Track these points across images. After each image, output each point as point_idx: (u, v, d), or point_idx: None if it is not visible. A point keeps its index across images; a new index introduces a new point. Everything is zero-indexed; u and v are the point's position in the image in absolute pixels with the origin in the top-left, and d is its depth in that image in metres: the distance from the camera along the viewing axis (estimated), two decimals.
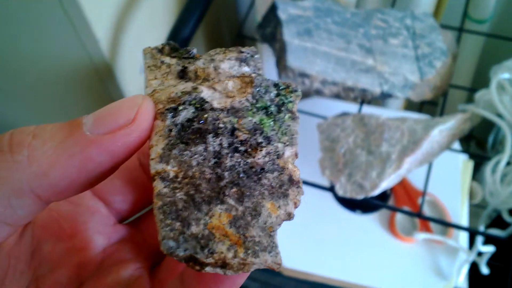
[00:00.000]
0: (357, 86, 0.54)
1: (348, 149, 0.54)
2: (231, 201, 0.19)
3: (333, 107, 0.77)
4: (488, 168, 0.50)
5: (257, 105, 0.21)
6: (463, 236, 0.67)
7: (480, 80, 0.74)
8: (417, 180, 0.72)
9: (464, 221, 0.69)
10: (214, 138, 0.20)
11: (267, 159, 0.20)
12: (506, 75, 0.53)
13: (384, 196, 0.71)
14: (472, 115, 0.53)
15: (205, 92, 0.21)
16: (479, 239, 0.59)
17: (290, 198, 0.20)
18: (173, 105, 0.20)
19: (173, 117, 0.20)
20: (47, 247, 0.21)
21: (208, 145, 0.19)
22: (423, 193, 0.51)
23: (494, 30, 0.77)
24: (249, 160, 0.20)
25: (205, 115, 0.20)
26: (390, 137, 0.52)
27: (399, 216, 0.69)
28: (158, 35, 0.53)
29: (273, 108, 0.21)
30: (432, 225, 0.68)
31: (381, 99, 0.55)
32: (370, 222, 0.69)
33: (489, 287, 1.09)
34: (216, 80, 0.21)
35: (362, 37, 0.55)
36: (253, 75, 0.22)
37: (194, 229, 0.18)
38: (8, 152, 0.17)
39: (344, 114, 0.56)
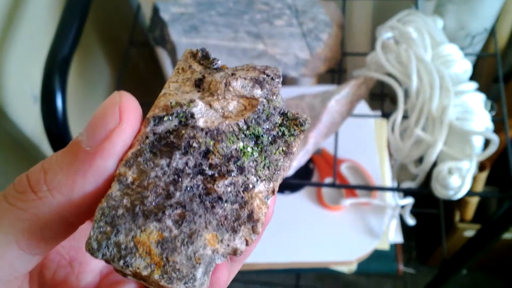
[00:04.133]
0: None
1: None
2: (168, 222, 0.18)
3: None
4: (388, 125, 0.52)
5: (246, 132, 0.20)
6: (388, 194, 0.70)
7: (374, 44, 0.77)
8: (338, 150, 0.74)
9: (387, 178, 0.72)
10: (182, 156, 0.19)
11: (229, 188, 0.19)
12: (389, 34, 0.55)
13: (307, 171, 0.73)
14: (365, 79, 0.55)
15: (199, 108, 0.20)
16: (396, 194, 0.61)
17: (241, 235, 0.19)
18: (161, 114, 0.20)
19: (154, 125, 0.20)
20: (49, 273, 0.23)
21: (172, 161, 0.19)
22: (334, 160, 0.53)
23: None
24: (208, 186, 0.19)
25: (183, 131, 0.20)
26: None
27: (325, 189, 0.71)
28: (41, 57, 0.51)
29: (265, 138, 0.20)
30: (357, 190, 0.70)
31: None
32: (300, 199, 0.71)
33: (425, 235, 1.14)
34: (220, 97, 0.21)
35: (248, 24, 0.55)
36: (261, 99, 0.21)
37: (121, 238, 0.18)
38: (30, 192, 0.18)
39: None
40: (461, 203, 0.88)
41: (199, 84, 0.21)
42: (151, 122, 0.20)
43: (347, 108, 0.54)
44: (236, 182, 0.19)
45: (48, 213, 0.18)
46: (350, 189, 0.69)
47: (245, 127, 0.20)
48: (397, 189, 0.51)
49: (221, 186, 0.19)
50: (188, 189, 0.19)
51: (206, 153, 0.19)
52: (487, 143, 0.49)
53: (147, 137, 0.19)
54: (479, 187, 0.81)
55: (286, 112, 0.21)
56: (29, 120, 0.58)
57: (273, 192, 0.20)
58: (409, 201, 0.62)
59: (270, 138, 0.20)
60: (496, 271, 1.17)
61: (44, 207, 0.18)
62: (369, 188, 0.54)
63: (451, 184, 0.47)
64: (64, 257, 0.24)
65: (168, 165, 0.19)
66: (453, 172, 0.47)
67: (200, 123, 0.20)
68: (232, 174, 0.19)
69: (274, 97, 0.21)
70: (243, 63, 0.54)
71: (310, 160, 0.73)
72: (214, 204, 0.19)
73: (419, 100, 0.50)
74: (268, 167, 0.20)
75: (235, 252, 0.19)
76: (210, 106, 0.20)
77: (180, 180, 0.19)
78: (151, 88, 0.88)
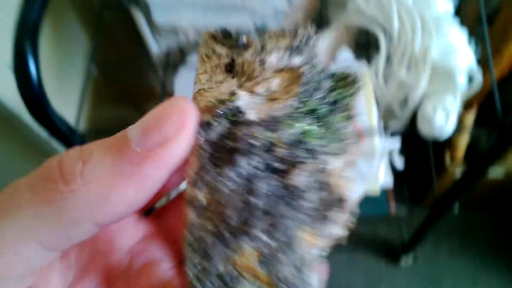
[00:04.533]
0: (231, 26, 0.53)
1: None
2: (262, 236, 0.17)
3: None
4: (371, 70, 0.52)
5: (303, 109, 0.18)
6: (377, 139, 0.70)
7: None
8: None
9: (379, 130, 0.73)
10: (248, 159, 0.17)
11: (308, 177, 0.17)
12: None
13: None
14: (346, 26, 0.54)
15: (243, 99, 0.18)
16: (383, 138, 0.62)
17: (337, 221, 0.17)
18: (207, 119, 0.18)
19: (206, 134, 0.18)
20: (73, 254, 0.20)
21: (240, 168, 0.17)
22: None
23: None
24: (286, 182, 0.17)
25: (238, 133, 0.18)
26: None
27: None
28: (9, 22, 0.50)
29: (323, 109, 0.18)
30: None
31: (256, 33, 0.54)
32: None
33: (417, 178, 1.17)
34: (260, 79, 0.19)
35: None
36: (304, 67, 0.19)
37: (221, 268, 0.16)
38: (61, 182, 0.16)
39: None
40: (450, 145, 0.89)
41: (230, 69, 0.19)
42: (201, 131, 0.18)
43: (329, 56, 0.54)
44: (312, 168, 0.18)
45: (78, 210, 0.16)
46: None
47: (300, 105, 0.18)
48: (383, 132, 0.51)
49: (299, 178, 0.17)
50: (267, 193, 0.17)
51: (270, 147, 0.18)
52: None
53: (202, 149, 0.18)
54: (467, 128, 0.81)
55: (333, 73, 0.19)
56: (8, 90, 0.57)
57: (350, 163, 0.18)
58: (397, 143, 0.63)
59: (327, 107, 0.19)
60: (489, 210, 1.21)
61: (74, 203, 0.16)
62: (356, 133, 0.54)
63: (436, 122, 0.47)
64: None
65: (238, 175, 0.17)
66: (438, 109, 0.47)
67: (252, 116, 0.18)
68: (305, 161, 0.18)
69: (315, 60, 0.19)
70: (221, 17, 0.53)
71: None
72: (299, 199, 0.17)
73: (401, 43, 0.50)
74: (336, 140, 0.18)
75: (338, 240, 0.18)
76: (253, 92, 0.18)
77: (255, 186, 0.17)
78: (128, 51, 0.87)
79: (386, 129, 0.55)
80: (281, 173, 0.17)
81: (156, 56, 0.64)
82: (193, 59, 0.76)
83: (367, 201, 0.73)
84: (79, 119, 0.57)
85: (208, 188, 0.17)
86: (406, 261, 1.17)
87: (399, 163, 0.63)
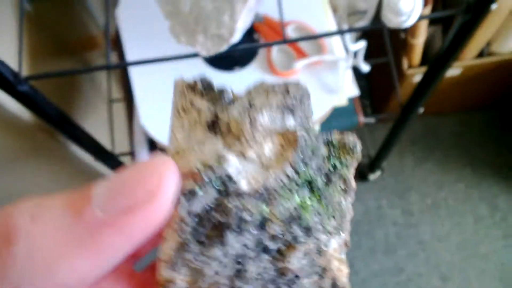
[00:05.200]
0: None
1: (192, 2, 0.50)
2: None
3: None
4: None
5: (298, 181, 0.16)
6: (338, 48, 0.68)
7: None
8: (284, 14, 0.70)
9: (337, 39, 0.70)
10: (237, 236, 0.15)
11: (304, 261, 0.16)
12: None
13: (253, 42, 0.69)
14: None
15: (233, 164, 0.16)
16: (347, 38, 0.59)
17: None
18: (190, 186, 0.15)
19: (188, 203, 0.15)
20: None
21: (228, 247, 0.15)
22: (280, 20, 0.49)
23: None
24: (280, 265, 0.15)
25: (228, 205, 0.16)
26: None
27: (275, 56, 0.68)
28: None
29: (320, 181, 0.17)
30: (307, 50, 0.68)
31: None
32: (252, 72, 0.68)
33: (377, 86, 1.17)
34: (251, 142, 0.17)
35: None
36: (298, 132, 0.17)
37: None
38: (3, 244, 0.13)
39: None
40: (407, 49, 0.88)
41: (213, 127, 0.17)
42: (182, 200, 0.15)
43: None
44: (309, 249, 0.16)
45: (19, 282, 0.13)
46: (301, 51, 0.67)
47: (295, 175, 0.16)
48: (349, 30, 0.48)
49: (294, 261, 0.16)
50: (258, 276, 0.16)
51: (263, 223, 0.16)
52: None
53: (185, 223, 0.15)
54: (423, 26, 0.80)
55: (330, 139, 0.17)
56: None
57: (346, 245, 0.17)
58: (362, 45, 0.61)
59: (323, 178, 0.17)
60: (447, 113, 1.23)
61: (16, 272, 0.13)
62: (317, 36, 0.51)
63: (402, 9, 0.45)
64: None
65: (226, 255, 0.15)
66: None
67: (243, 186, 0.16)
68: (301, 240, 0.16)
69: (310, 122, 0.18)
70: None
71: (253, 30, 0.69)
72: (292, 285, 0.16)
73: None
74: (333, 216, 0.17)
75: None
76: (244, 156, 0.16)
77: (245, 268, 0.15)
78: None
79: (351, 31, 0.52)
80: (274, 254, 0.16)
81: None
82: None
83: (335, 114, 0.71)
84: (21, 64, 0.51)
85: (189, 270, 0.15)
86: (374, 176, 1.19)
87: (365, 66, 0.61)
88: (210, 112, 0.17)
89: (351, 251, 1.19)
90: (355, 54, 0.63)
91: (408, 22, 0.46)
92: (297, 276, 0.16)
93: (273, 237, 0.16)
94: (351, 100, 0.74)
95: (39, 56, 0.69)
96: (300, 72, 0.66)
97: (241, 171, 0.16)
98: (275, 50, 0.67)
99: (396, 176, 1.25)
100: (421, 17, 0.47)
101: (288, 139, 0.17)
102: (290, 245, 0.16)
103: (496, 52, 0.92)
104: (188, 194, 0.15)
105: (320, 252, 0.16)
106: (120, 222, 0.14)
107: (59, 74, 0.56)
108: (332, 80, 0.65)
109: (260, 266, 0.16)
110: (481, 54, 0.93)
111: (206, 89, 0.18)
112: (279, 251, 0.16)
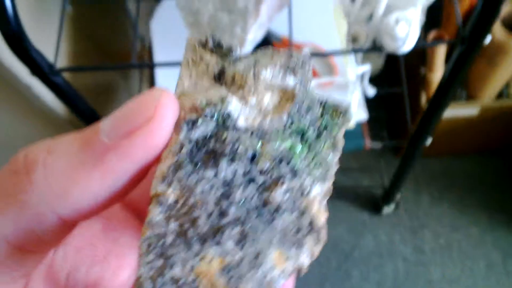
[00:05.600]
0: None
1: (210, 15, 0.55)
2: (229, 244, 0.16)
3: None
4: None
5: (292, 128, 0.18)
6: (350, 71, 0.72)
7: None
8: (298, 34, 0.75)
9: (351, 62, 0.74)
10: (229, 163, 0.17)
11: (287, 196, 0.17)
12: None
13: None
14: None
15: (234, 105, 0.17)
16: (353, 60, 0.63)
17: (306, 247, 0.17)
18: (192, 117, 0.17)
19: (189, 131, 0.17)
20: (81, 274, 0.19)
21: (219, 170, 0.16)
22: (289, 40, 0.54)
23: None
24: (264, 196, 0.17)
25: (225, 135, 0.17)
26: None
27: None
28: None
29: (311, 133, 0.18)
30: (319, 71, 0.72)
31: None
32: None
33: (395, 115, 1.19)
34: (252, 90, 0.18)
35: None
36: (297, 89, 0.18)
37: (177, 271, 0.15)
38: (24, 173, 0.15)
39: None
40: (425, 82, 0.91)
41: (219, 77, 0.19)
42: (183, 127, 0.17)
43: None
44: (293, 187, 0.17)
45: (39, 204, 0.15)
46: (313, 70, 0.71)
47: (289, 122, 0.18)
48: (349, 51, 0.52)
49: (278, 195, 0.17)
50: (243, 201, 0.16)
51: (254, 157, 0.17)
52: None
53: (182, 146, 0.17)
54: (440, 61, 0.83)
55: (325, 101, 0.19)
56: None
57: (328, 193, 0.18)
58: (366, 68, 0.64)
59: (315, 132, 0.18)
60: (466, 155, 1.23)
61: (35, 196, 0.15)
62: (323, 55, 0.55)
63: (398, 34, 0.49)
64: (99, 252, 0.20)
65: (216, 176, 0.16)
66: (400, 21, 0.49)
67: (241, 122, 0.17)
68: (287, 178, 0.17)
69: (309, 83, 0.19)
70: None
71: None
72: (274, 215, 0.17)
73: None
74: (319, 166, 0.18)
75: (299, 270, 0.16)
76: (245, 101, 0.18)
77: (232, 192, 0.16)
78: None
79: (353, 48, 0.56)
80: (261, 186, 0.17)
81: None
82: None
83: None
84: (57, 56, 0.58)
85: (180, 185, 0.16)
86: (388, 209, 1.20)
87: (370, 90, 0.64)
88: (217, 66, 0.19)
89: (358, 282, 1.19)
90: (362, 75, 0.67)
91: (404, 47, 0.50)
92: (278, 208, 0.17)
93: (261, 172, 0.17)
94: (359, 124, 0.77)
95: (77, 54, 0.76)
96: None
97: (241, 111, 0.17)
98: None
99: (411, 213, 1.25)
100: (417, 45, 0.51)
101: (287, 94, 0.18)
102: (276, 181, 0.17)
103: None
104: (189, 123, 0.17)
105: (302, 193, 0.17)
106: (122, 145, 0.15)
107: (90, 69, 0.62)
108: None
109: (246, 193, 0.16)
110: (500, 96, 0.95)
111: (216, 46, 0.19)
112: (264, 183, 0.17)
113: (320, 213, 0.17)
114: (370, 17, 0.52)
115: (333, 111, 0.19)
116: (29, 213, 0.15)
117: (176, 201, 0.16)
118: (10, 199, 0.15)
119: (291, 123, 0.18)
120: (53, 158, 0.15)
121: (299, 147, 0.18)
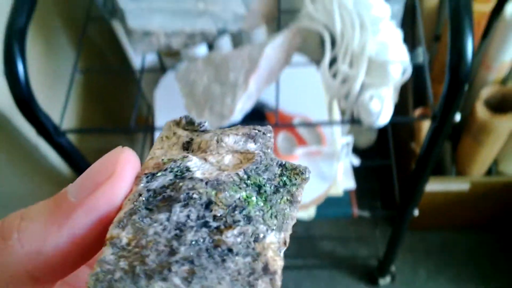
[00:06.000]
0: (196, 30, 0.60)
1: (205, 86, 0.61)
2: (176, 280, 0.16)
3: None
4: (320, 67, 0.58)
5: (248, 182, 0.19)
6: (338, 142, 0.76)
7: None
8: (290, 106, 0.80)
9: (338, 133, 0.79)
10: (182, 208, 0.17)
11: (239, 239, 0.17)
12: None
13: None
14: (298, 28, 0.61)
15: (194, 162, 0.19)
16: (338, 132, 0.67)
17: None
18: (154, 171, 0.18)
19: (147, 182, 0.18)
20: None
21: (172, 214, 0.17)
22: (275, 112, 0.59)
23: None
24: (216, 237, 0.17)
25: (180, 184, 0.18)
26: (234, 65, 0.59)
27: (280, 142, 0.77)
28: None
29: (268, 188, 0.19)
30: (308, 141, 0.76)
31: (220, 36, 0.61)
32: None
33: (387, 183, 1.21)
34: (214, 152, 0.20)
35: None
36: (257, 152, 0.20)
37: None
38: (0, 239, 0.16)
39: (193, 59, 0.63)
40: (413, 155, 0.94)
41: (187, 146, 0.20)
42: (143, 179, 0.18)
43: (283, 56, 0.61)
44: (246, 232, 0.17)
45: (14, 265, 0.16)
46: (302, 140, 0.75)
47: (245, 176, 0.19)
48: (329, 123, 0.56)
49: (230, 237, 0.17)
50: (194, 242, 0.17)
51: (209, 204, 0.18)
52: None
53: (140, 195, 0.18)
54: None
55: (284, 163, 0.20)
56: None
57: (284, 243, 0.18)
58: (349, 139, 0.68)
59: (272, 188, 0.19)
60: (464, 230, 1.24)
61: (10, 258, 0.16)
62: (309, 125, 0.60)
63: (372, 109, 0.53)
64: None
65: (168, 220, 0.17)
66: (373, 98, 0.53)
67: (198, 175, 0.18)
68: (240, 224, 0.18)
69: (269, 150, 0.20)
70: (187, 22, 0.60)
71: (265, 119, 0.79)
72: (225, 257, 0.17)
73: (344, 41, 0.56)
74: (275, 216, 0.18)
75: None
76: (205, 160, 0.19)
77: (183, 234, 0.17)
78: (108, 59, 0.94)
79: (332, 120, 0.60)
80: (213, 229, 0.17)
81: (134, 62, 0.71)
82: (171, 74, 0.83)
83: (331, 203, 0.77)
84: (63, 119, 0.63)
85: (133, 228, 0.17)
86: (384, 281, 1.19)
87: (355, 159, 0.68)
88: (187, 137, 0.21)
89: None
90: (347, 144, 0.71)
91: (379, 121, 0.54)
92: (230, 251, 0.17)
93: (215, 217, 0.18)
94: (347, 192, 0.79)
95: (85, 117, 0.82)
96: (300, 158, 0.74)
97: (199, 167, 0.19)
98: (280, 137, 0.76)
99: (408, 286, 1.23)
100: (392, 120, 0.55)
101: (246, 158, 0.20)
102: (230, 226, 0.17)
103: (503, 172, 0.96)
104: (148, 176, 0.18)
105: (256, 238, 0.17)
106: (88, 201, 0.17)
107: (92, 131, 0.67)
108: (326, 169, 0.73)
109: (197, 235, 0.17)
110: (489, 172, 0.97)
111: (188, 123, 0.21)
112: (217, 228, 0.17)
113: (275, 259, 0.17)
114: (348, 93, 0.57)
115: (292, 172, 0.20)
116: (6, 275, 0.16)
117: (128, 243, 0.17)
118: None
119: (248, 178, 0.19)
120: (26, 223, 0.17)
121: (254, 198, 0.18)
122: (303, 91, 0.78)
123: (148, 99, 0.92)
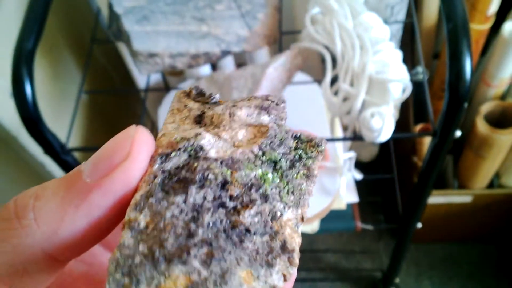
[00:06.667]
0: (200, 51, 0.62)
1: None
2: (195, 263, 0.16)
3: None
4: (322, 85, 0.60)
5: (263, 158, 0.19)
6: (341, 157, 0.77)
7: None
8: (293, 122, 0.81)
9: (340, 149, 0.80)
10: (198, 189, 0.17)
11: (256, 219, 0.17)
12: (316, 9, 0.63)
13: None
14: (299, 49, 0.63)
15: (207, 139, 0.19)
16: (340, 147, 0.68)
17: (277, 269, 0.17)
18: (167, 151, 0.18)
19: (162, 163, 0.18)
20: None
21: (189, 196, 0.17)
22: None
23: None
24: (233, 218, 0.17)
25: (195, 164, 0.18)
26: (237, 85, 0.60)
27: None
28: (6, 50, 0.58)
29: (284, 163, 0.19)
30: None
31: (223, 57, 0.63)
32: None
33: (380, 193, 1.21)
34: (227, 127, 0.19)
35: (193, 10, 0.63)
36: (271, 125, 0.19)
37: None
38: (15, 219, 0.16)
39: (197, 78, 0.64)
40: (414, 168, 0.95)
41: (199, 120, 0.20)
42: (157, 160, 0.18)
43: (286, 76, 0.62)
44: (263, 211, 0.17)
45: (31, 246, 0.16)
46: None
47: (260, 153, 0.19)
48: (332, 139, 0.58)
49: (247, 217, 0.17)
50: (211, 224, 0.17)
51: (224, 184, 0.18)
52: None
53: (155, 177, 0.17)
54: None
55: (299, 135, 0.20)
56: (6, 113, 0.65)
57: (302, 219, 0.18)
58: (351, 154, 0.69)
59: (288, 163, 0.19)
60: (469, 241, 1.24)
61: (27, 239, 0.16)
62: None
63: (373, 126, 0.54)
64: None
65: (185, 202, 0.17)
66: (375, 115, 0.54)
67: (212, 153, 0.18)
68: (257, 203, 0.17)
69: (283, 121, 0.20)
70: (191, 43, 0.62)
71: None
72: (243, 237, 0.17)
73: (345, 61, 0.58)
74: (292, 192, 0.18)
75: None
76: (219, 137, 0.19)
77: (200, 216, 0.17)
78: (113, 78, 0.95)
79: (334, 137, 0.61)
80: (230, 210, 0.17)
81: (139, 82, 0.72)
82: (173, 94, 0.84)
83: (335, 217, 0.78)
84: (69, 137, 0.64)
85: (150, 211, 0.17)
86: None
87: (357, 174, 0.69)
88: (199, 110, 0.20)
89: None
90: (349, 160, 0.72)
91: (380, 138, 0.55)
92: (248, 231, 0.17)
93: (231, 197, 0.17)
94: (351, 206, 0.80)
95: (90, 135, 0.83)
96: None
97: (213, 144, 0.19)
98: None
99: None
100: (393, 136, 0.56)
101: (260, 131, 0.19)
102: (246, 205, 0.17)
103: (505, 185, 0.97)
104: (163, 156, 0.18)
105: (274, 216, 0.17)
106: (103, 183, 0.16)
107: (98, 149, 0.68)
108: (329, 183, 0.74)
109: (214, 216, 0.17)
110: (491, 185, 0.98)
111: (198, 94, 0.21)
112: (234, 208, 0.17)
113: (293, 237, 0.17)
114: (349, 111, 0.58)
115: (307, 144, 0.19)
116: (23, 256, 0.16)
117: (147, 226, 0.17)
118: (3, 244, 0.16)
119: (263, 154, 0.19)
120: (41, 202, 0.16)
121: (270, 175, 0.18)
122: (305, 108, 0.79)
123: (153, 117, 0.93)
